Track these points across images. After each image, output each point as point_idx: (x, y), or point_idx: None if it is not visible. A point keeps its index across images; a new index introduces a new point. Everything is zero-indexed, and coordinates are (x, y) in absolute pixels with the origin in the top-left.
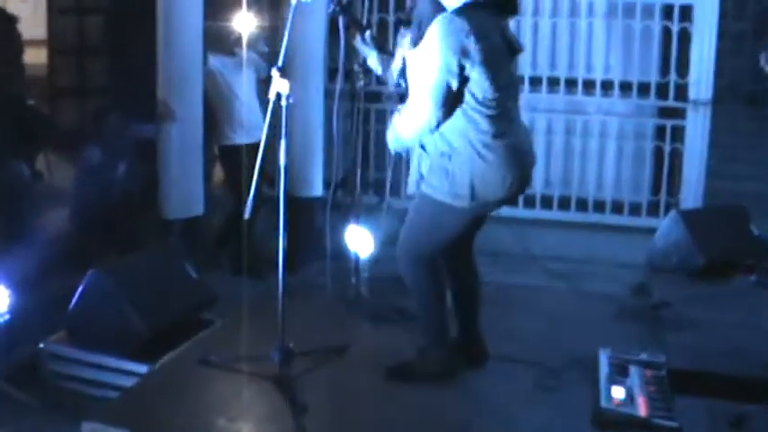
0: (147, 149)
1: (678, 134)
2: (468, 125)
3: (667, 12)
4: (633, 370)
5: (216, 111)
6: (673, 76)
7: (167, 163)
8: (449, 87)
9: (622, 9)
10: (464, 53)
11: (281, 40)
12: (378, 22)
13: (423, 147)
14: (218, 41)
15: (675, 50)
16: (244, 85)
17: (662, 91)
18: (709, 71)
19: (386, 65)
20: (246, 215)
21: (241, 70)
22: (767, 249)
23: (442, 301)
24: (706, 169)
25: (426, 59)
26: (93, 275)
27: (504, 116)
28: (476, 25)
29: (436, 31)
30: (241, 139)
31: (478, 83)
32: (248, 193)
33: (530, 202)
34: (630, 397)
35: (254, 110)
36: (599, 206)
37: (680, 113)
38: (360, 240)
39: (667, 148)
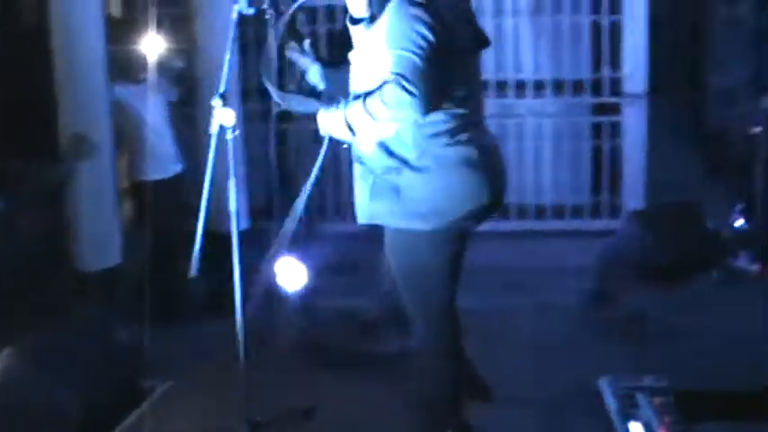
0: (52, 194)
1: (615, 130)
2: (425, 128)
3: (596, 5)
4: (641, 400)
5: (127, 144)
6: (606, 71)
7: (78, 208)
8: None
9: (550, 5)
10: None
11: (196, 61)
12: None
13: (361, 161)
14: (122, 68)
15: (607, 44)
16: (155, 114)
17: (596, 87)
18: (643, 63)
19: (330, 78)
20: (193, 272)
21: (150, 98)
22: (724, 244)
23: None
24: (646, 164)
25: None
26: (8, 356)
27: (467, 116)
28: (433, 13)
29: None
30: (156, 173)
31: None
32: (168, 235)
33: None
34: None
35: (166, 140)
36: (540, 212)
37: (616, 109)
38: (292, 272)
39: (606, 145)
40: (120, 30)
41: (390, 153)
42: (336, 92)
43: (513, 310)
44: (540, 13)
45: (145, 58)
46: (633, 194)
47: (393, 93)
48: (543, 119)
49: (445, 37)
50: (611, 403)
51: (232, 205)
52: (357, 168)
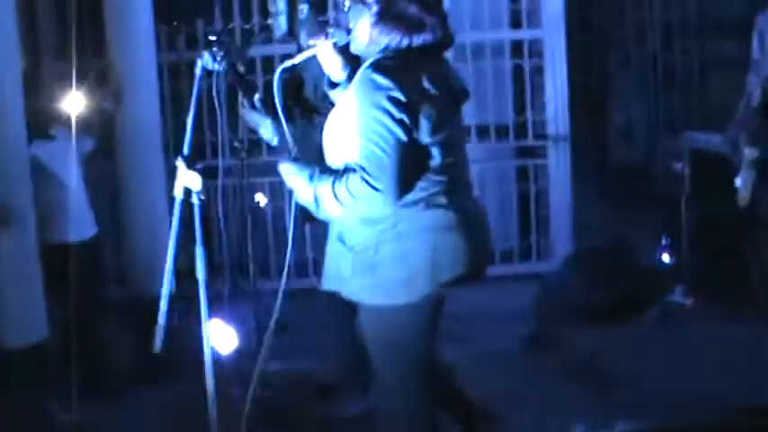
0: None
1: (540, 173)
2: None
3: (517, 48)
4: None
5: (42, 205)
6: (529, 114)
7: None
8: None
9: (471, 50)
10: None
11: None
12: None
13: (341, 240)
14: (33, 123)
15: (529, 88)
16: (69, 172)
17: (519, 130)
18: (565, 105)
19: (282, 132)
20: (158, 346)
21: (66, 154)
22: (658, 280)
23: None
24: (572, 205)
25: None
26: None
27: (448, 182)
28: (402, 79)
29: (358, 96)
30: (72, 236)
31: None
32: (87, 303)
33: None
34: None
35: (82, 200)
36: None
37: (540, 152)
38: (222, 335)
39: (531, 188)
40: (30, 83)
41: (367, 225)
42: (287, 147)
43: (457, 360)
44: (462, 59)
45: (56, 112)
46: (561, 236)
47: (359, 186)
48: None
49: (419, 102)
50: None
51: (200, 273)
52: (336, 246)
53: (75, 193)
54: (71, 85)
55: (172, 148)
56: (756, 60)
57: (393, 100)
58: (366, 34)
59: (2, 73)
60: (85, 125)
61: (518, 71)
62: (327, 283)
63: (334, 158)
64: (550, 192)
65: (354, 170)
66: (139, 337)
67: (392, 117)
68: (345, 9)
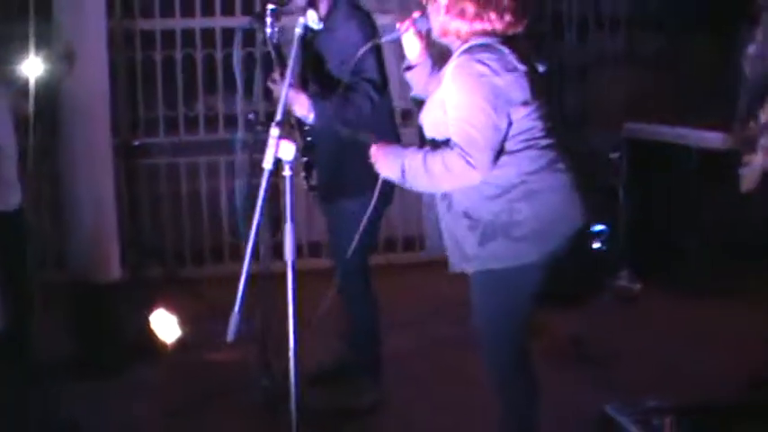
0: None
1: None
2: (525, 166)
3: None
4: (657, 422)
5: None
6: None
7: None
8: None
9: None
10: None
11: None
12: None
13: (468, 216)
14: None
15: None
16: (7, 134)
17: None
18: None
19: (319, 107)
20: (231, 336)
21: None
22: (611, 264)
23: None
24: None
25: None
26: None
27: (556, 144)
28: (500, 57)
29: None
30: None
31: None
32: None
33: None
34: None
35: (13, 165)
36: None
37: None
38: (165, 325)
39: None
40: None
41: (498, 193)
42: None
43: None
44: None
45: None
46: None
47: (455, 161)
48: None
49: (516, 78)
50: (632, 428)
51: (287, 251)
52: (462, 223)
53: (12, 157)
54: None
55: (129, 123)
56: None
57: (487, 84)
58: (438, 23)
59: None
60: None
61: None
62: (456, 266)
63: (431, 134)
64: None
65: (450, 146)
66: (79, 324)
67: (486, 100)
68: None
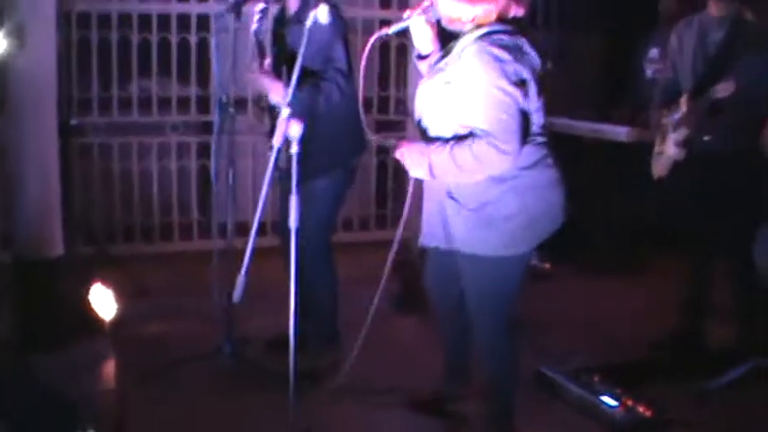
0: None
1: None
2: (519, 161)
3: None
4: (587, 377)
5: None
6: (392, 91)
7: None
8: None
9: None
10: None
11: None
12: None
13: (453, 197)
14: None
15: (393, 65)
16: None
17: (382, 105)
18: None
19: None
20: (237, 297)
21: None
22: None
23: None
24: None
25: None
26: None
27: (548, 142)
28: (515, 49)
29: (474, 67)
30: None
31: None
32: None
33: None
34: (624, 403)
35: None
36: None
37: (401, 126)
38: (103, 300)
39: (391, 159)
40: None
41: (490, 183)
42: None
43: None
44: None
45: None
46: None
47: (486, 150)
48: None
49: (527, 70)
50: (569, 385)
51: (292, 222)
52: (448, 204)
53: None
54: None
55: (76, 102)
56: (672, 59)
57: (510, 69)
58: (444, 8)
59: None
60: None
61: (385, 49)
62: (429, 240)
63: (438, 126)
64: None
65: (476, 136)
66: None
67: (513, 84)
68: None
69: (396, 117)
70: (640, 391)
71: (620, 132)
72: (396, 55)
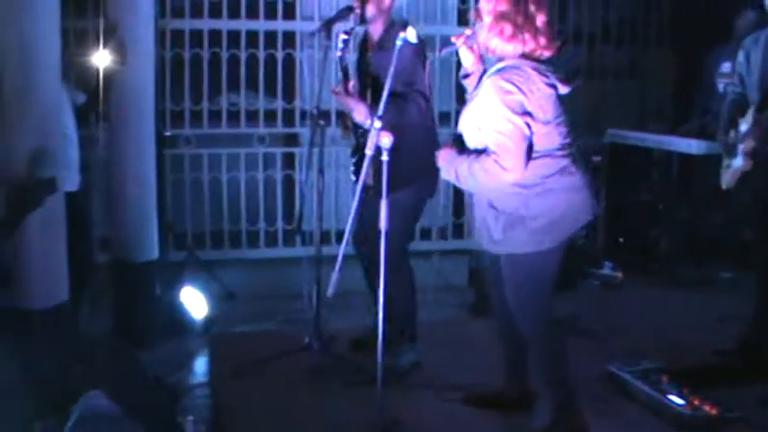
0: None
1: None
2: (544, 169)
3: None
4: (656, 378)
5: None
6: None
7: (27, 242)
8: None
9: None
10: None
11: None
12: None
13: (492, 206)
14: None
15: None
16: (69, 120)
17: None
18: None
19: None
20: (331, 292)
21: (67, 105)
22: (592, 256)
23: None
24: None
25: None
26: None
27: (571, 151)
28: (525, 80)
29: (488, 95)
30: (68, 185)
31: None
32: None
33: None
34: (690, 402)
35: (76, 149)
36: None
37: None
38: (195, 302)
39: None
40: None
41: (520, 189)
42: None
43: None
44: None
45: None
46: None
47: (491, 166)
48: None
49: (539, 98)
50: (638, 384)
51: (383, 224)
52: (488, 212)
53: (72, 142)
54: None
55: (169, 115)
56: (740, 73)
57: (515, 100)
58: (482, 40)
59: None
60: (82, 82)
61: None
62: (485, 246)
63: (469, 141)
64: None
65: (487, 153)
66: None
67: (515, 112)
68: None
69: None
70: (706, 393)
71: (691, 145)
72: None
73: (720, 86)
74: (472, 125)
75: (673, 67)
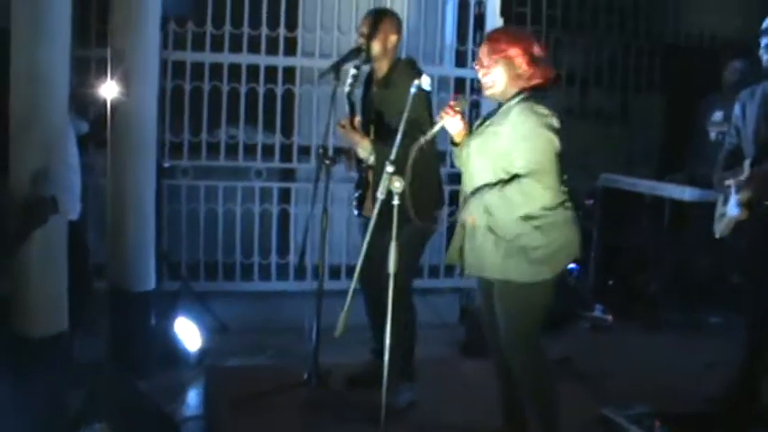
0: None
1: None
2: (549, 201)
3: (459, 85)
4: (649, 422)
5: None
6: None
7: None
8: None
9: None
10: None
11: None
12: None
13: (492, 231)
14: None
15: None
16: (72, 150)
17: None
18: None
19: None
20: (339, 332)
21: (71, 134)
22: (583, 298)
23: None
24: None
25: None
26: None
27: (568, 188)
28: (552, 109)
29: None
30: (75, 213)
31: None
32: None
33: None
34: None
35: (78, 179)
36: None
37: None
38: (188, 333)
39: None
40: None
41: (523, 220)
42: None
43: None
44: None
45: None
46: None
47: (533, 187)
48: None
49: (558, 125)
50: (632, 428)
51: (391, 267)
52: (488, 238)
53: (75, 171)
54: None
55: (168, 146)
56: (736, 125)
57: (550, 122)
58: (507, 81)
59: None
60: (84, 110)
61: None
62: (471, 270)
63: (484, 172)
64: None
65: (522, 176)
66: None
67: (552, 131)
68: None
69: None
70: None
71: (684, 192)
72: (469, 111)
73: (712, 135)
74: (491, 156)
75: (661, 113)
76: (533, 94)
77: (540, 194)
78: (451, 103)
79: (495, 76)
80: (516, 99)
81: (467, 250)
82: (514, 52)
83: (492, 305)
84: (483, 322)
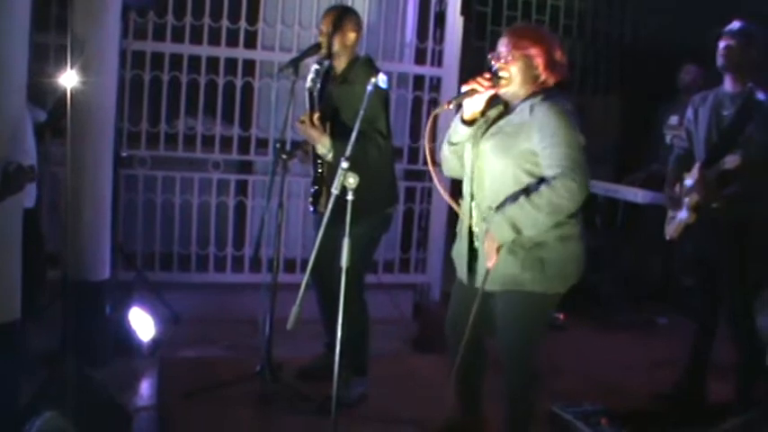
0: None
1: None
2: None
3: (418, 83)
4: (596, 420)
5: None
6: (423, 142)
7: None
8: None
9: None
10: None
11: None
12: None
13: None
14: None
15: (424, 118)
16: (30, 139)
17: (413, 155)
18: None
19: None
20: (291, 325)
21: (29, 123)
22: None
23: None
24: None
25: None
26: None
27: None
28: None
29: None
30: (30, 201)
31: None
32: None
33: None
34: None
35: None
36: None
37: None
38: (142, 324)
39: (417, 208)
40: None
41: (547, 232)
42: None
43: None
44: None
45: None
46: (437, 250)
47: (569, 186)
48: None
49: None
50: (579, 425)
51: (344, 262)
52: (505, 248)
53: (33, 161)
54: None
55: (126, 135)
56: (687, 129)
57: (574, 119)
58: (521, 80)
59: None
60: (41, 98)
61: (417, 102)
62: (503, 285)
63: (503, 176)
64: (432, 213)
65: (551, 179)
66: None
67: (577, 128)
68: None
69: (424, 167)
70: None
71: (637, 194)
72: (427, 108)
73: (668, 138)
74: (511, 158)
75: (618, 115)
76: (553, 92)
77: (576, 192)
78: (487, 75)
79: (512, 72)
80: (537, 97)
81: (479, 265)
82: (535, 52)
83: (489, 311)
84: (451, 320)
